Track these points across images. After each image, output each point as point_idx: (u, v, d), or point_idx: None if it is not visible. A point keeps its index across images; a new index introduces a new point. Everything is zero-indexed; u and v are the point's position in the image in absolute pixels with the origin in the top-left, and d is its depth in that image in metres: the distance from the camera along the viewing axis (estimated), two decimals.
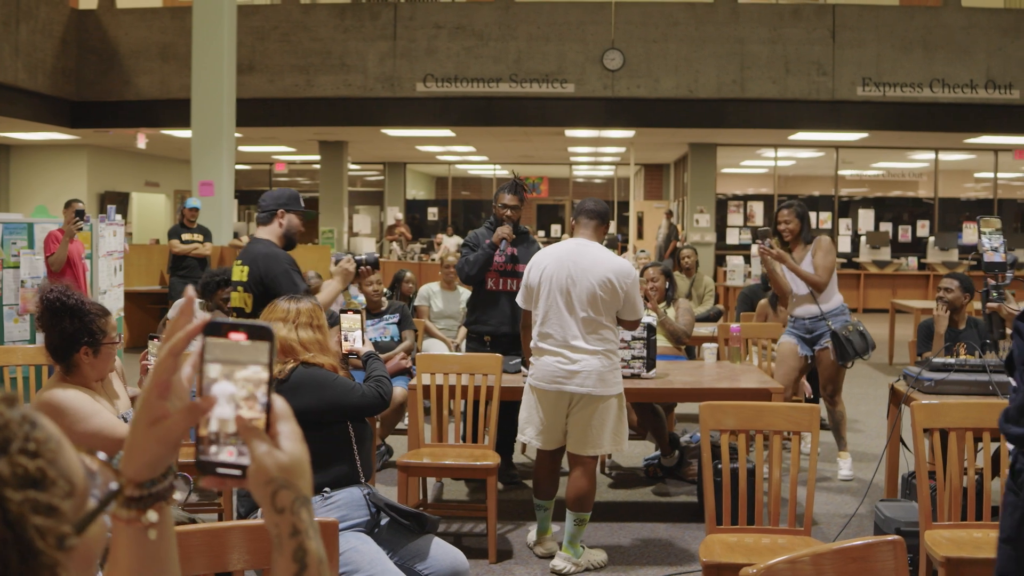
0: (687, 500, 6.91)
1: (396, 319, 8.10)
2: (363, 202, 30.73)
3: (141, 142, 20.58)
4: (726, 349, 7.84)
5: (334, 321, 6.79)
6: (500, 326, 6.92)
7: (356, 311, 5.03)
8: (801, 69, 18.14)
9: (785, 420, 4.30)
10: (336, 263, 5.48)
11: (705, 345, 7.13)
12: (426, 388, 5.99)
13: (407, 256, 22.68)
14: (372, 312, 8.11)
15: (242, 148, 24.36)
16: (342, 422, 4.13)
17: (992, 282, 6.07)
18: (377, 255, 5.83)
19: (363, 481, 4.14)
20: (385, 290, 9.99)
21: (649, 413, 7.14)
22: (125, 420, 4.05)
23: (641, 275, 8.20)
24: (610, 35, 18.09)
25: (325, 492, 3.99)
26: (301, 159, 27.19)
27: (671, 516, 6.52)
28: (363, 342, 5.02)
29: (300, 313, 4.21)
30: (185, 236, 13.46)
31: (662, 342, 7.75)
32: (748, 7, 18.48)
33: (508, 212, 6.97)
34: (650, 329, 6.22)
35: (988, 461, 4.68)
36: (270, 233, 5.61)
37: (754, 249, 9.73)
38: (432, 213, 29.18)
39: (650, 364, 6.23)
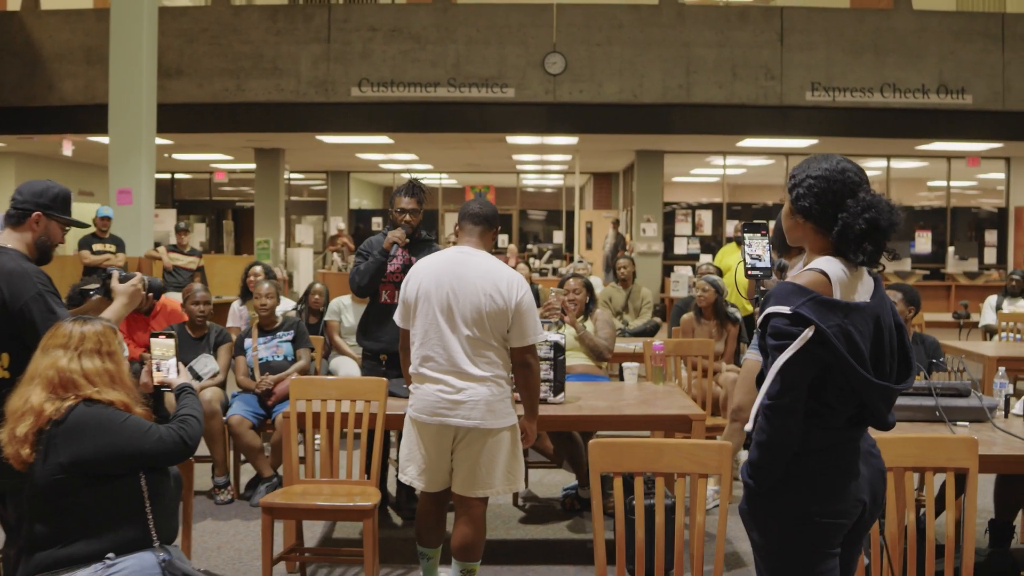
0: (606, 538, 6.23)
1: (290, 336, 7.39)
2: (307, 212, 30.13)
3: (67, 149, 19.75)
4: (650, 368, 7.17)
5: (289, 327, 6.07)
6: (396, 343, 6.19)
7: (169, 335, 4.22)
8: (749, 73, 17.68)
9: (690, 460, 3.63)
10: (122, 281, 4.50)
11: (625, 365, 6.46)
12: (302, 416, 5.28)
13: (348, 267, 21.95)
14: (265, 328, 7.39)
15: (178, 156, 23.79)
16: (133, 473, 3.42)
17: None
18: (161, 282, 4.77)
19: (158, 545, 3.41)
20: (298, 305, 9.28)
21: (565, 440, 6.47)
22: None
23: (561, 286, 7.53)
24: (552, 38, 17.55)
25: (108, 559, 3.28)
26: (241, 167, 26.41)
27: (588, 557, 5.83)
28: (178, 372, 4.19)
29: (85, 338, 3.49)
30: (96, 246, 12.75)
31: (582, 359, 7.08)
32: (694, 9, 18.00)
33: (406, 217, 6.29)
34: (557, 348, 5.55)
35: (931, 500, 4.06)
36: (18, 241, 4.31)
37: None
38: (376, 223, 28.45)
39: (557, 387, 5.56)
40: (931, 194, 25.44)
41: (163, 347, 4.18)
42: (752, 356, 6.91)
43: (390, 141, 19.79)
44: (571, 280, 7.40)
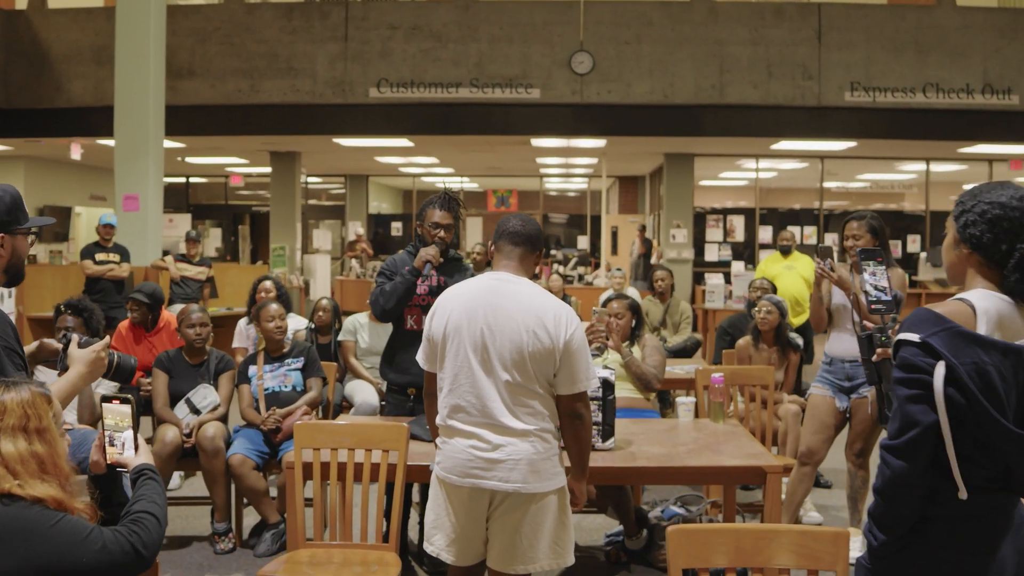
0: None
1: (300, 363, 6.61)
2: (325, 216, 29.44)
3: (75, 152, 19.08)
4: (706, 402, 6.38)
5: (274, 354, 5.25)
6: None
7: (126, 400, 3.21)
8: (785, 73, 16.92)
9: (797, 552, 2.85)
10: (81, 346, 3.49)
11: (680, 400, 5.65)
12: (309, 465, 4.52)
13: (367, 274, 21.27)
14: (272, 354, 6.62)
15: (192, 160, 23.16)
16: None
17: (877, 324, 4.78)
18: (135, 361, 3.77)
19: None
20: (310, 324, 8.52)
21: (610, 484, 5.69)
22: None
23: (603, 306, 6.75)
24: (579, 36, 16.81)
25: None
26: (257, 171, 25.74)
27: None
28: (136, 447, 3.19)
29: (6, 411, 2.66)
30: (99, 256, 12.02)
31: (628, 390, 6.29)
32: (727, 6, 17.22)
33: (440, 233, 5.53)
34: (606, 386, 4.77)
35: None
36: None
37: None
38: (396, 228, 27.77)
39: (607, 431, 4.79)
40: None
41: (117, 415, 3.21)
42: (819, 391, 6.13)
43: (410, 144, 19.11)
44: (614, 302, 6.62)
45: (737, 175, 23.65)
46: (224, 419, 6.48)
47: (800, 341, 7.48)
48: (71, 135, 18.18)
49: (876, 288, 3.82)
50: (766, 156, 20.97)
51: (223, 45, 17.36)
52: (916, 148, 19.38)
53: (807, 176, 22.64)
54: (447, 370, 3.87)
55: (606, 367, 4.91)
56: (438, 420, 3.92)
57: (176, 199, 27.56)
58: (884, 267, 5.28)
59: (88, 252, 12.10)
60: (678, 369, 7.72)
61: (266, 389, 6.46)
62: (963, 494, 2.54)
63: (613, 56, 16.93)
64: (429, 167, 25.12)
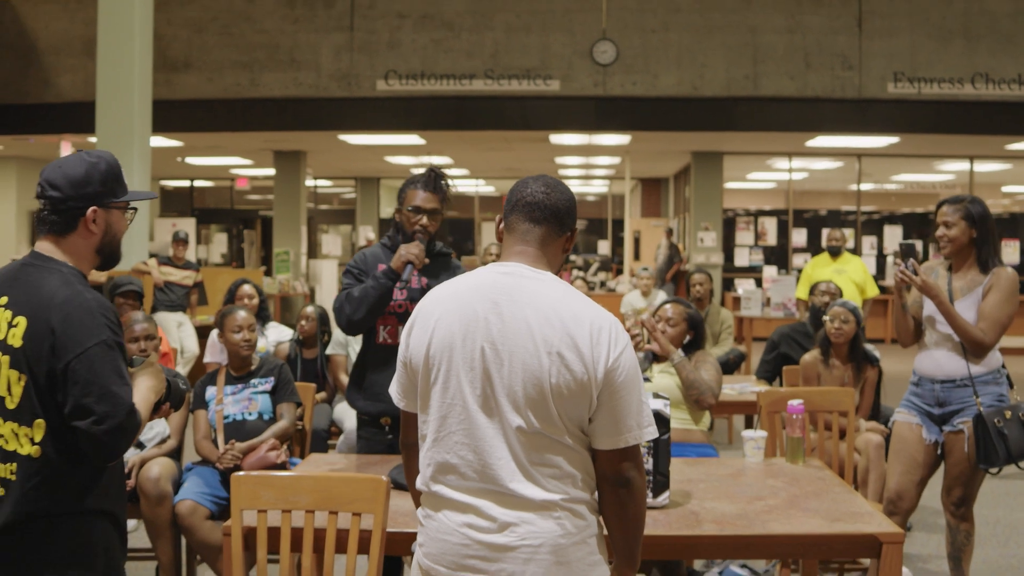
0: None
1: (269, 385, 5.35)
2: (335, 221, 28.57)
3: (66, 151, 17.93)
4: (777, 436, 5.14)
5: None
6: None
7: None
8: (823, 63, 15.81)
9: None
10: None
11: (746, 436, 4.39)
12: (253, 531, 3.31)
13: None
14: (235, 374, 5.41)
15: (194, 161, 22.19)
16: None
17: None
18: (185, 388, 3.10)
19: None
20: (295, 336, 7.33)
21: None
22: None
23: (654, 314, 5.53)
24: (601, 24, 15.74)
25: None
26: (264, 173, 24.68)
27: None
28: None
29: None
30: None
31: (678, 420, 5.06)
32: None
33: (423, 219, 4.35)
34: (660, 421, 3.55)
35: None
36: (70, 252, 2.91)
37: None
38: None
39: (660, 484, 3.57)
40: (1009, 200, 23.69)
41: None
42: (904, 417, 4.91)
43: (421, 141, 18.03)
44: (669, 307, 5.40)
45: (767, 176, 22.60)
46: (176, 454, 5.26)
47: (878, 354, 6.22)
48: (60, 132, 17.16)
49: None
50: (800, 154, 19.85)
51: (221, 36, 16.38)
52: (960, 145, 18.24)
53: (838, 177, 21.65)
54: (432, 411, 2.65)
55: (656, 396, 3.66)
56: (419, 483, 2.70)
57: (180, 203, 26.68)
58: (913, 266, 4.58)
59: None
60: (727, 389, 6.49)
61: (226, 417, 5.22)
62: None
63: (638, 45, 15.87)
64: (443, 168, 23.98)
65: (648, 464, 3.55)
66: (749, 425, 6.88)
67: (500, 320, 2.59)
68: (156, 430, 5.16)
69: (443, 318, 2.66)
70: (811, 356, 6.13)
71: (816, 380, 6.02)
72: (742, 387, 6.68)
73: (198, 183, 27.04)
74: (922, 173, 22.11)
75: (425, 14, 16.02)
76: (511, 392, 2.55)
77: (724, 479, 4.07)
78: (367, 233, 24.77)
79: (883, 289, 16.16)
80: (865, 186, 21.78)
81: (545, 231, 2.74)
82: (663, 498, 3.58)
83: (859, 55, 15.76)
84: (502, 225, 2.81)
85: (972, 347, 4.71)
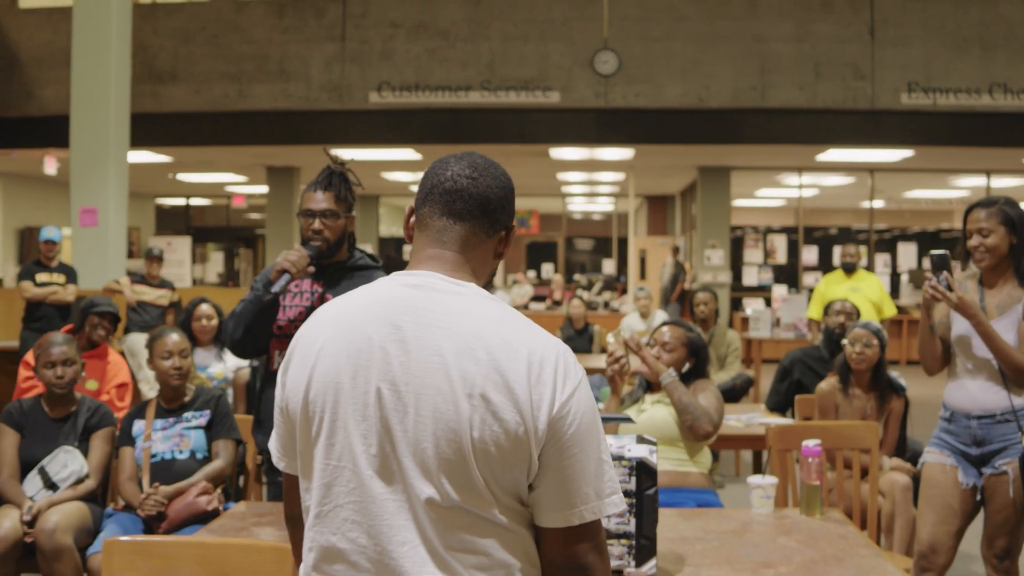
0: None
1: (204, 419, 4.66)
2: None
3: (50, 167, 17.41)
4: (792, 482, 4.44)
5: None
6: None
7: None
8: (834, 73, 15.22)
9: None
10: None
11: (752, 482, 3.69)
12: None
13: None
14: (166, 406, 4.72)
15: (186, 178, 21.58)
16: None
17: None
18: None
19: None
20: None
21: None
22: None
23: (650, 337, 4.85)
24: (602, 33, 15.16)
25: None
26: (260, 191, 24.11)
27: None
28: None
29: None
30: (41, 277, 10.30)
31: (670, 460, 4.37)
32: None
33: (315, 224, 3.72)
34: (642, 471, 2.85)
35: None
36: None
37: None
38: (408, 252, 26.14)
39: (645, 550, 2.87)
40: None
41: None
42: (935, 458, 4.22)
43: (416, 156, 17.44)
44: (666, 329, 4.71)
45: (775, 193, 21.97)
46: (94, 497, 4.58)
47: (903, 381, 5.50)
48: (43, 146, 16.65)
49: None
50: (810, 169, 19.20)
51: (208, 46, 15.87)
52: (976, 158, 17.61)
53: (850, 194, 21.13)
54: (315, 475, 1.96)
55: (642, 440, 2.96)
56: (301, 572, 2.02)
57: (175, 221, 26.18)
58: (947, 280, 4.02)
59: (28, 272, 10.40)
60: (732, 420, 5.79)
61: (154, 455, 4.53)
62: None
63: (641, 55, 15.29)
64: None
65: (629, 526, 2.86)
66: (758, 462, 6.15)
67: (403, 351, 1.91)
68: (71, 468, 4.49)
69: (327, 348, 1.97)
70: (828, 385, 5.40)
71: (834, 412, 5.30)
72: (749, 418, 5.95)
73: (194, 201, 26.54)
74: (936, 188, 21.45)
75: (419, 23, 15.47)
76: (418, 450, 1.86)
77: (726, 537, 3.37)
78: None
79: (899, 309, 15.54)
80: (877, 203, 21.17)
81: (469, 229, 2.07)
82: (649, 567, 2.88)
83: (871, 65, 15.18)
84: (412, 219, 2.14)
85: (1015, 375, 4.03)
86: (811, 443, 3.67)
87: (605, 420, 3.13)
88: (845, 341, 5.31)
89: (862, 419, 5.17)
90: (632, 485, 2.83)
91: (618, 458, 2.82)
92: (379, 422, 1.89)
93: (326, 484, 1.93)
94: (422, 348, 1.89)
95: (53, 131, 16.12)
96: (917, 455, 5.03)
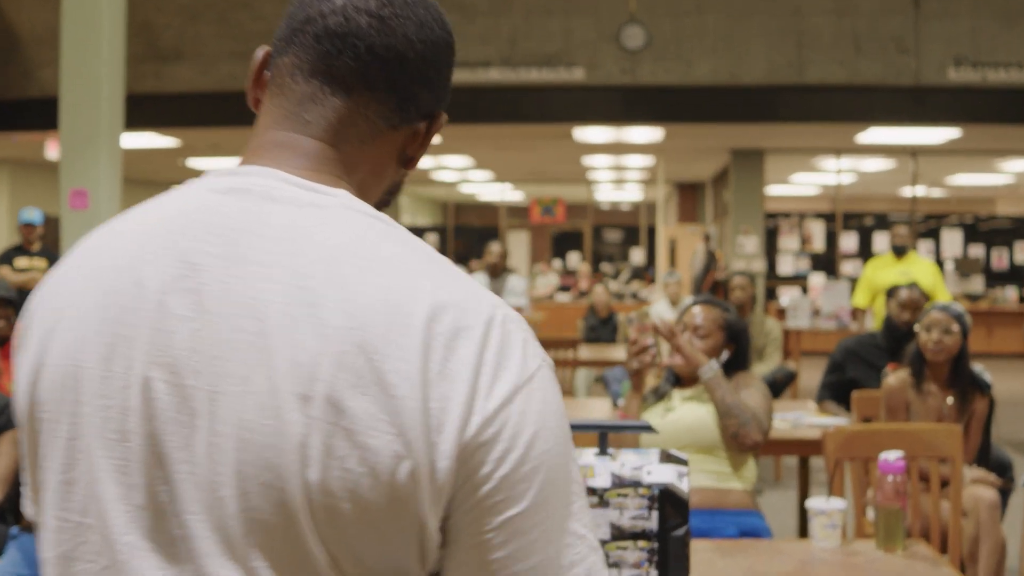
0: None
1: None
2: None
3: (52, 151, 16.97)
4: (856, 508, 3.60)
5: None
6: None
7: None
8: (876, 47, 14.60)
9: None
10: None
11: (812, 507, 2.84)
12: None
13: None
14: None
15: (195, 163, 21.20)
16: None
17: None
18: None
19: None
20: None
21: None
22: None
23: (679, 320, 4.03)
24: (629, 6, 14.55)
25: None
26: None
27: None
28: None
29: None
30: (21, 262, 9.79)
31: (707, 474, 3.54)
32: None
33: None
34: (670, 502, 2.02)
35: None
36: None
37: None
38: (431, 241, 25.83)
39: None
40: None
41: None
42: None
43: (436, 139, 16.80)
44: (697, 308, 3.90)
45: (811, 179, 21.28)
46: (6, 515, 3.82)
47: (988, 376, 4.63)
48: (43, 129, 16.29)
49: None
50: (849, 151, 18.47)
51: (216, 24, 15.49)
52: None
53: (890, 180, 20.52)
54: (46, 538, 1.11)
55: (668, 458, 2.10)
56: None
57: None
58: None
59: (7, 257, 9.89)
60: (777, 420, 4.94)
61: None
62: None
63: (670, 29, 14.74)
64: (464, 169, 22.84)
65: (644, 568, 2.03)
66: (804, 468, 5.27)
67: (196, 308, 1.05)
68: None
69: (71, 306, 1.12)
70: (898, 379, 4.50)
71: (904, 412, 4.40)
72: (796, 417, 5.10)
73: None
74: (981, 173, 20.72)
75: None
76: (214, 501, 1.01)
77: None
78: None
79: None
80: (925, 185, 20.56)
81: (356, 106, 1.23)
82: None
83: (915, 38, 14.51)
84: (266, 73, 1.32)
85: None
86: (891, 455, 2.82)
87: (620, 429, 2.29)
88: (919, 326, 4.45)
89: (937, 421, 4.31)
90: (653, 523, 1.98)
91: (633, 484, 1.98)
92: (146, 444, 1.04)
93: (63, 556, 1.09)
94: (228, 305, 1.04)
95: (52, 113, 15.83)
96: (1003, 465, 4.19)
